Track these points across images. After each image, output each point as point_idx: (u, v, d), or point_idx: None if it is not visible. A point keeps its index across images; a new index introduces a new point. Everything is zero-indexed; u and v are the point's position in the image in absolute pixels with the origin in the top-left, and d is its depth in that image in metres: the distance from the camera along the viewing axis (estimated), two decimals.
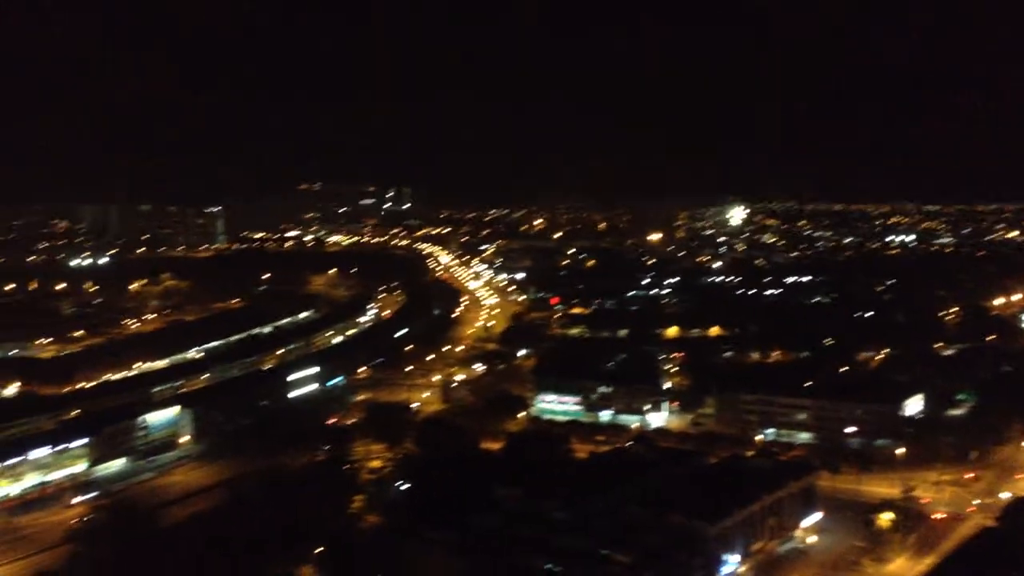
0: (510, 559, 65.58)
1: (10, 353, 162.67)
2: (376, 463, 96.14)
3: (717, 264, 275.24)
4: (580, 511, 71.45)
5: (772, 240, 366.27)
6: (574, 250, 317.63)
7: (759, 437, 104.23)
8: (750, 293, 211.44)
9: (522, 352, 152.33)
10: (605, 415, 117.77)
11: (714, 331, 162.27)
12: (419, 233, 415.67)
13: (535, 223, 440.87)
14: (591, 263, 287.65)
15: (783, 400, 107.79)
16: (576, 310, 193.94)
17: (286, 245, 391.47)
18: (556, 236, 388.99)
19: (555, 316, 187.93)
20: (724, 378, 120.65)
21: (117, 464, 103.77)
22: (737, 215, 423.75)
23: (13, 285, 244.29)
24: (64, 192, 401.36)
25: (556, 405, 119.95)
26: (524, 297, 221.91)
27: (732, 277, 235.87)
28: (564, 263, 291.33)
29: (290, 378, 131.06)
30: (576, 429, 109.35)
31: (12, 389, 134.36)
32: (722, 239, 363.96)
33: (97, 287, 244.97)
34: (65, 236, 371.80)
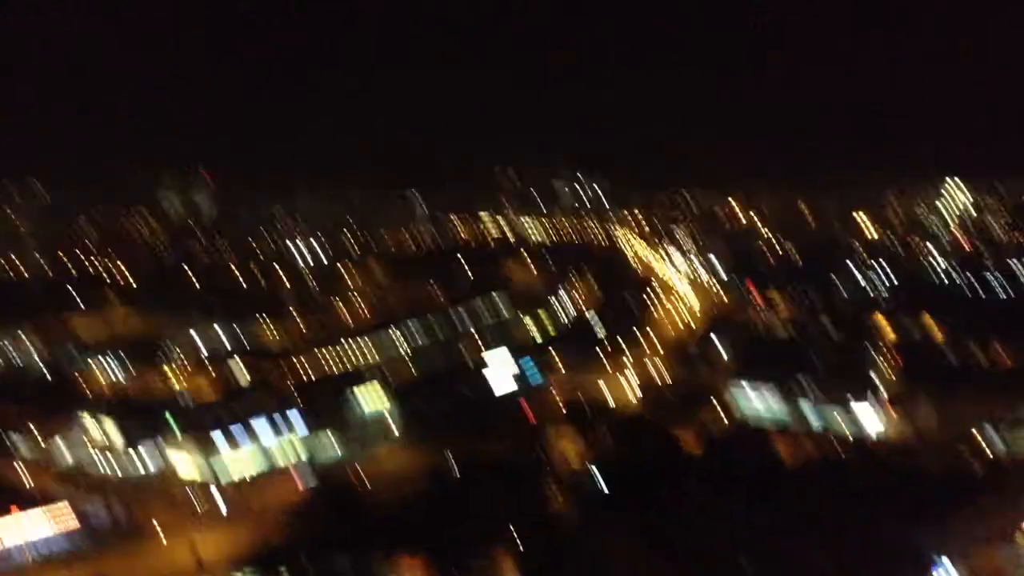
0: (706, 556, 64.33)
1: (238, 336, 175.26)
2: (572, 454, 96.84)
3: (938, 255, 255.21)
4: (781, 512, 68.97)
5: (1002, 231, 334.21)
6: (776, 236, 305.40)
7: (979, 441, 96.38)
8: (979, 292, 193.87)
9: (721, 345, 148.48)
10: (811, 414, 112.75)
11: (933, 328, 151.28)
12: (612, 218, 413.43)
13: (734, 208, 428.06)
14: (795, 250, 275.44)
15: (1007, 402, 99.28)
16: (779, 301, 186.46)
17: (483, 231, 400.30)
18: (757, 221, 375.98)
19: (756, 307, 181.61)
20: (943, 378, 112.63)
21: (330, 443, 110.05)
22: (957, 199, 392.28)
23: (239, 272, 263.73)
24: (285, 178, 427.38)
25: (758, 402, 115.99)
26: (722, 287, 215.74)
27: (956, 270, 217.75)
28: (765, 250, 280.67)
29: (488, 366, 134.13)
30: (779, 428, 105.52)
31: (239, 369, 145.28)
32: (940, 226, 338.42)
33: (312, 274, 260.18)
34: (284, 225, 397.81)
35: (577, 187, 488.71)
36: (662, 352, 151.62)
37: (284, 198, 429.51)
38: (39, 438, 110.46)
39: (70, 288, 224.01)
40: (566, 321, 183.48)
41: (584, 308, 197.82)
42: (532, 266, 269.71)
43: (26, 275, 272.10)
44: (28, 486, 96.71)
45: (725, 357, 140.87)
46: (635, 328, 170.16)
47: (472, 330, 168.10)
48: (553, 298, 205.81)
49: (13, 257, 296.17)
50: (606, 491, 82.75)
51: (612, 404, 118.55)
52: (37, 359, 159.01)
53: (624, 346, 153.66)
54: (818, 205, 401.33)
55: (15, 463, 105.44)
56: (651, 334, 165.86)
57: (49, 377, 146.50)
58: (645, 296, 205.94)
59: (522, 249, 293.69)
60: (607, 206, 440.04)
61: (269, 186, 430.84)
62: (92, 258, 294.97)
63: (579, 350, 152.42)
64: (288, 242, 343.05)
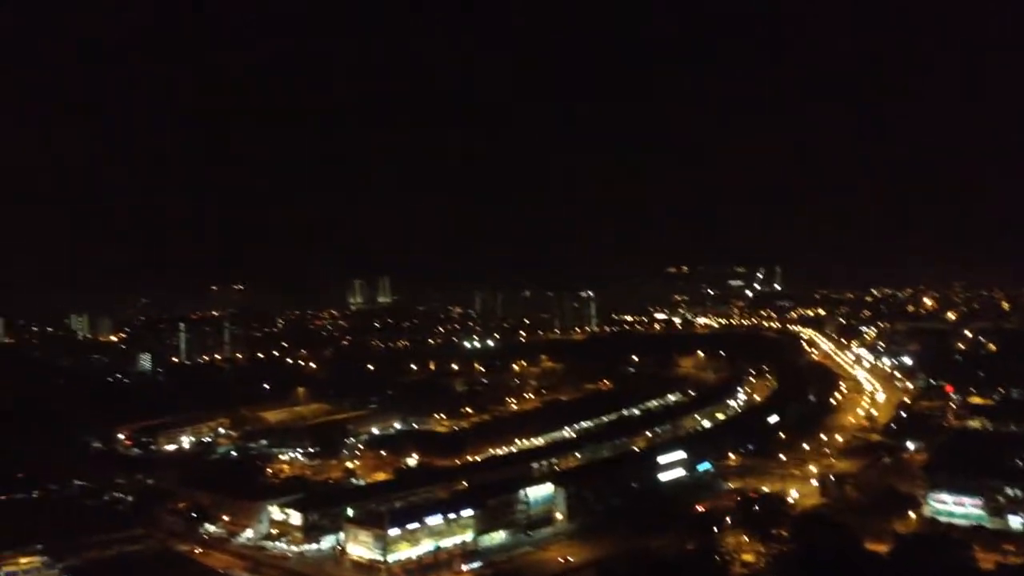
0: None
1: (413, 426, 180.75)
2: (748, 556, 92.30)
3: None
4: None
5: None
6: (972, 332, 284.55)
7: None
8: None
9: (912, 445, 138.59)
10: (1015, 520, 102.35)
11: None
12: (792, 314, 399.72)
13: (924, 303, 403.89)
14: (993, 347, 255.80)
15: None
16: (976, 400, 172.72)
17: (654, 327, 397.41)
18: (950, 317, 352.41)
19: (950, 406, 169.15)
20: None
21: (499, 535, 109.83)
22: None
23: (415, 366, 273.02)
24: (459, 279, 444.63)
25: (954, 506, 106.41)
26: (913, 384, 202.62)
27: None
28: (960, 347, 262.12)
29: (658, 461, 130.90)
30: (979, 535, 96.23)
31: (412, 459, 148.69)
32: None
33: (484, 368, 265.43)
34: (459, 320, 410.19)
35: (757, 284, 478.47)
36: (846, 448, 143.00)
37: (462, 298, 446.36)
38: (228, 523, 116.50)
39: (261, 379, 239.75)
40: (743, 416, 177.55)
41: (762, 403, 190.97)
42: (707, 361, 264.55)
43: (227, 370, 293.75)
44: (214, 570, 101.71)
45: (916, 457, 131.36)
46: (817, 423, 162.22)
47: (643, 424, 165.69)
48: (729, 392, 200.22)
49: (216, 355, 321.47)
50: None
51: (790, 500, 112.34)
52: (229, 448, 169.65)
53: (804, 442, 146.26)
54: (1019, 300, 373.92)
55: (207, 545, 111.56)
56: (834, 430, 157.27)
57: (239, 465, 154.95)
58: (829, 392, 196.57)
59: (696, 345, 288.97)
60: (788, 303, 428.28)
61: (447, 287, 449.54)
62: (286, 355, 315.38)
63: (756, 445, 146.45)
64: (464, 339, 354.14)
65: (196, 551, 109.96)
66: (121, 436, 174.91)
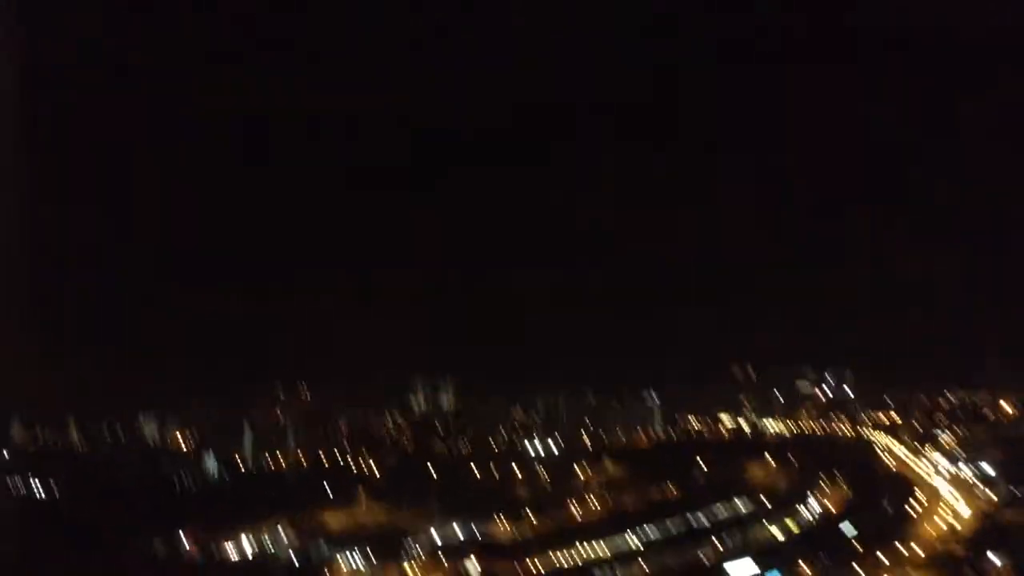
0: None
1: (475, 532, 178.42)
2: None
3: None
4: None
5: None
6: None
7: None
8: None
9: (996, 559, 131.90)
10: None
11: None
12: (864, 419, 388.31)
13: (1003, 407, 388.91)
14: None
15: None
16: None
17: (721, 432, 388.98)
18: None
19: None
20: None
21: None
22: None
23: (477, 471, 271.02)
24: (522, 382, 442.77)
25: None
26: (996, 495, 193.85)
27: None
28: None
29: (727, 570, 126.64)
30: None
31: (474, 566, 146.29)
32: None
33: (547, 472, 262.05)
34: (522, 425, 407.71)
35: (824, 386, 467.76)
36: (926, 561, 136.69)
37: (523, 399, 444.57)
38: None
39: (323, 482, 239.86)
40: (815, 526, 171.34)
41: (835, 512, 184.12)
42: (776, 468, 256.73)
43: (285, 469, 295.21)
44: None
45: (1001, 571, 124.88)
46: (894, 534, 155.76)
47: (711, 533, 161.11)
48: (800, 502, 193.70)
49: (277, 453, 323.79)
50: None
51: None
52: (289, 549, 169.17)
53: (881, 553, 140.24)
54: None
55: None
56: (913, 541, 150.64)
57: (298, 567, 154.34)
58: (906, 501, 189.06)
59: (764, 451, 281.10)
60: (858, 406, 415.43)
61: (508, 388, 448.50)
62: (345, 455, 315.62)
63: (830, 557, 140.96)
64: (525, 441, 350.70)
65: None
66: (185, 539, 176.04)
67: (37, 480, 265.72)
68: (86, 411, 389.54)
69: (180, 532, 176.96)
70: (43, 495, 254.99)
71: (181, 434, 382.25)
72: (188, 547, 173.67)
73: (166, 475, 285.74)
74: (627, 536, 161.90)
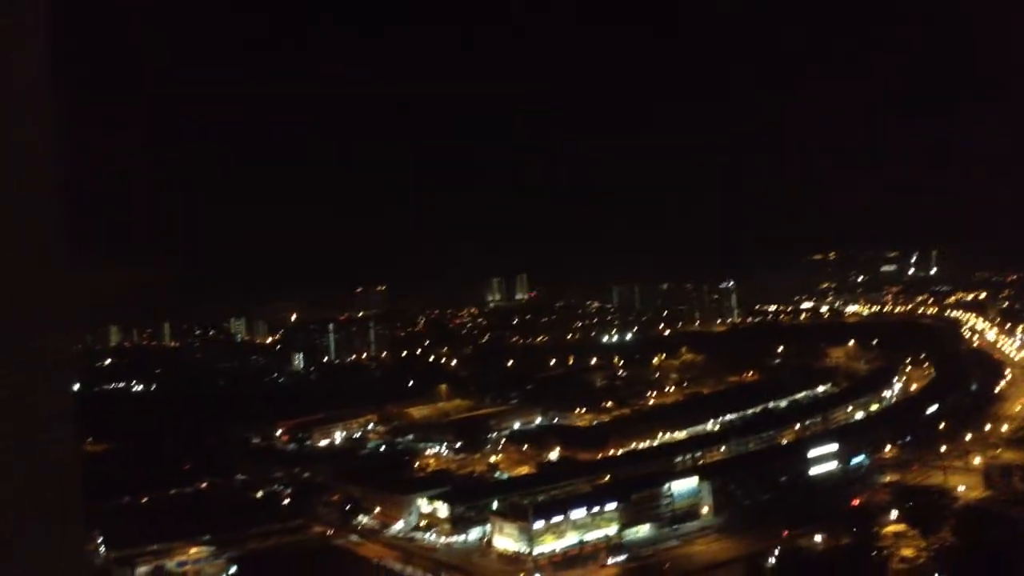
0: None
1: (553, 421, 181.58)
2: (908, 551, 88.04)
3: None
4: None
5: None
6: None
7: None
8: None
9: None
10: None
11: None
12: (950, 300, 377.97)
13: None
14: None
15: None
16: None
17: (801, 317, 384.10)
18: None
19: None
20: None
21: (643, 529, 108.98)
22: None
23: (555, 361, 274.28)
24: (596, 273, 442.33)
25: None
26: None
27: None
28: None
29: (808, 454, 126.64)
30: None
31: (554, 454, 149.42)
32: None
33: (623, 362, 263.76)
34: (597, 315, 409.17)
35: (912, 268, 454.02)
36: (1013, 438, 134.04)
37: (599, 293, 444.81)
38: (379, 516, 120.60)
39: (405, 376, 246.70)
40: (899, 407, 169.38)
41: (920, 392, 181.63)
42: (858, 351, 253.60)
43: (372, 368, 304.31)
44: (368, 560, 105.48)
45: None
46: (980, 413, 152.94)
47: (792, 417, 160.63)
48: (883, 385, 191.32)
49: (363, 355, 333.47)
50: None
51: (952, 493, 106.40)
52: (379, 443, 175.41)
53: (966, 432, 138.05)
54: None
55: (360, 536, 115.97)
56: (1000, 420, 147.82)
57: (388, 460, 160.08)
58: (993, 380, 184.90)
59: (846, 334, 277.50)
60: (945, 288, 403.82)
61: (584, 282, 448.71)
62: (428, 353, 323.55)
63: (914, 436, 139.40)
64: (603, 334, 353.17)
65: (351, 542, 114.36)
66: (278, 432, 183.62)
67: (135, 379, 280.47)
68: (179, 313, 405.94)
69: (271, 424, 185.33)
70: (141, 392, 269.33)
71: (269, 334, 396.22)
72: (280, 438, 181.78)
73: (256, 373, 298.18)
74: (706, 423, 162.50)
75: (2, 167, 2.90)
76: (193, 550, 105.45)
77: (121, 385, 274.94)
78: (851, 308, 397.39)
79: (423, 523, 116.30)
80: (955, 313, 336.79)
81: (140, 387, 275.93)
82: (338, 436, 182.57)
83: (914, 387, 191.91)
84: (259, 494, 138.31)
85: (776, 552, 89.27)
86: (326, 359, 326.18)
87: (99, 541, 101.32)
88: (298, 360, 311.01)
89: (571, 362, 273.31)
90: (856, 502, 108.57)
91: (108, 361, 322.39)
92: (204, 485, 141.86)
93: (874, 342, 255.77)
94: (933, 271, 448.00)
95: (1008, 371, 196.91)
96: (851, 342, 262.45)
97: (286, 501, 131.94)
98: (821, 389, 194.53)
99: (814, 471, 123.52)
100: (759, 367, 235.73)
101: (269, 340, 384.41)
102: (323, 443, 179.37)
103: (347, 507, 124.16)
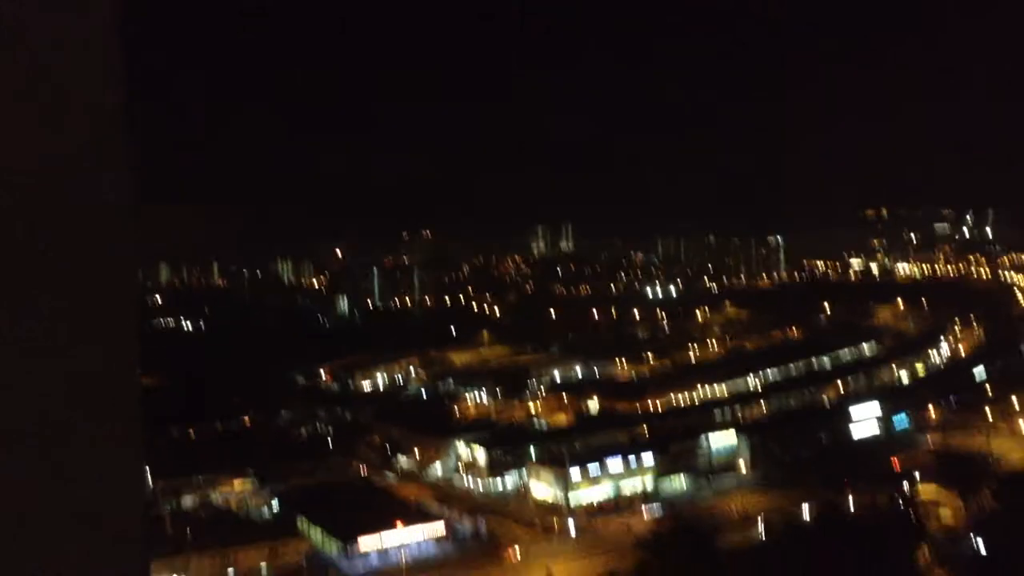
0: None
1: (594, 371, 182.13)
2: (946, 513, 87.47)
3: None
4: None
5: None
6: None
7: None
8: None
9: None
10: None
11: None
12: (1005, 261, 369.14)
13: None
14: None
15: None
16: None
17: (849, 275, 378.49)
18: None
19: None
20: None
21: (680, 481, 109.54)
22: None
23: (597, 312, 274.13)
24: (642, 225, 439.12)
25: None
26: None
27: None
28: None
29: (850, 413, 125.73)
30: None
31: (593, 403, 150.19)
32: None
33: (667, 314, 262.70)
34: (641, 267, 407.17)
35: (965, 228, 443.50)
36: None
37: (643, 244, 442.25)
38: (418, 458, 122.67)
39: (448, 323, 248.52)
40: (945, 368, 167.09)
41: (966, 354, 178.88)
42: (906, 311, 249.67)
43: (415, 313, 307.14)
44: (406, 501, 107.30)
45: None
46: None
47: (835, 375, 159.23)
48: (930, 345, 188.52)
49: (404, 294, 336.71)
50: (987, 555, 73.31)
51: (995, 459, 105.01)
52: (420, 387, 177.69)
53: (1014, 396, 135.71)
54: None
55: (397, 480, 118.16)
56: None
57: (428, 404, 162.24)
58: None
59: (895, 293, 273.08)
60: (998, 248, 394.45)
61: (629, 233, 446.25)
62: (471, 300, 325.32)
63: (957, 398, 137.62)
64: (646, 286, 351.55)
65: (390, 482, 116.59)
66: (322, 372, 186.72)
67: (184, 316, 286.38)
68: (228, 255, 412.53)
69: (316, 365, 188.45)
70: (190, 329, 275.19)
71: (315, 276, 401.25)
72: (325, 379, 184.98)
73: (302, 314, 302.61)
74: (747, 378, 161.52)
75: (71, 96, 2.96)
76: (237, 483, 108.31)
77: (171, 322, 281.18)
78: (902, 267, 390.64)
79: (461, 467, 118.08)
80: (1009, 275, 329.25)
81: (189, 325, 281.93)
82: (380, 379, 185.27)
83: (962, 348, 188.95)
84: (302, 432, 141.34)
85: (812, 509, 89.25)
86: (370, 303, 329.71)
87: (146, 471, 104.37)
88: (343, 303, 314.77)
89: (614, 314, 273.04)
90: (896, 462, 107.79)
91: (158, 298, 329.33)
92: (249, 422, 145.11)
93: (924, 302, 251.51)
94: (988, 232, 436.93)
95: None
96: (900, 301, 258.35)
97: (328, 440, 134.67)
98: (866, 347, 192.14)
99: (855, 430, 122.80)
100: (804, 324, 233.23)
101: (315, 282, 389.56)
102: (365, 384, 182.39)
103: (387, 448, 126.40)
